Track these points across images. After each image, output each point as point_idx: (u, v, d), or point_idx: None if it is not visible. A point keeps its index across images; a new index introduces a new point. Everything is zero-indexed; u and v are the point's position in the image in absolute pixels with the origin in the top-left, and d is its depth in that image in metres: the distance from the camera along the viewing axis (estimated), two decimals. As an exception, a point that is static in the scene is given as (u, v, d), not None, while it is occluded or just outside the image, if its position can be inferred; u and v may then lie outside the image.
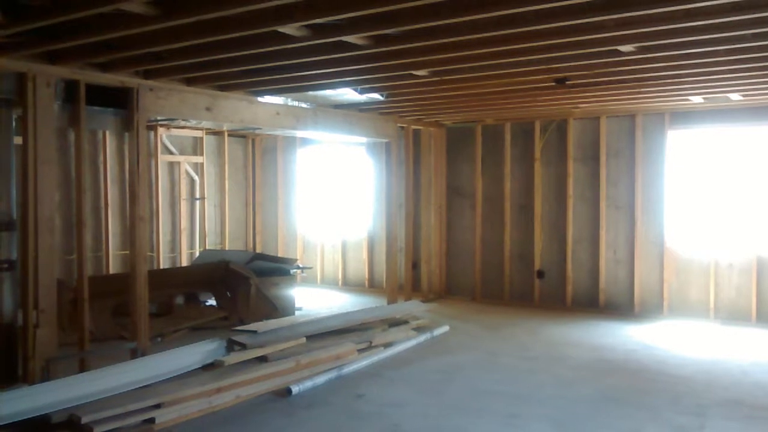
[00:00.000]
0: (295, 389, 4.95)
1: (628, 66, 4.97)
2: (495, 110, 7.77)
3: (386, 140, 8.16)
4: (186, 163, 9.29)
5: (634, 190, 7.87)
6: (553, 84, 5.72)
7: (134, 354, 5.19)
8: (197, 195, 9.49)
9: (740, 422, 4.37)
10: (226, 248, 9.68)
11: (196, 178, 9.45)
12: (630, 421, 4.38)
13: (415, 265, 9.07)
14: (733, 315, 7.36)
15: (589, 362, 5.87)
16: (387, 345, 6.19)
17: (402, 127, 8.49)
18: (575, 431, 4.24)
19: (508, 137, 8.70)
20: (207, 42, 4.27)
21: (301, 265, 9.02)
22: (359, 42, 4.27)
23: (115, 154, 8.44)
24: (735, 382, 5.25)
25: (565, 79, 5.52)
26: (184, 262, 9.14)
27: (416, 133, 8.95)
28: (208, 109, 5.91)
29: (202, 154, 9.46)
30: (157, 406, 4.22)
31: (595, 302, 8.14)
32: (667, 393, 4.98)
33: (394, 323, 6.76)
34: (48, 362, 4.64)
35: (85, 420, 3.88)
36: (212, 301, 7.91)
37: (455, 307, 8.54)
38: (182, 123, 8.07)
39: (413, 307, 7.53)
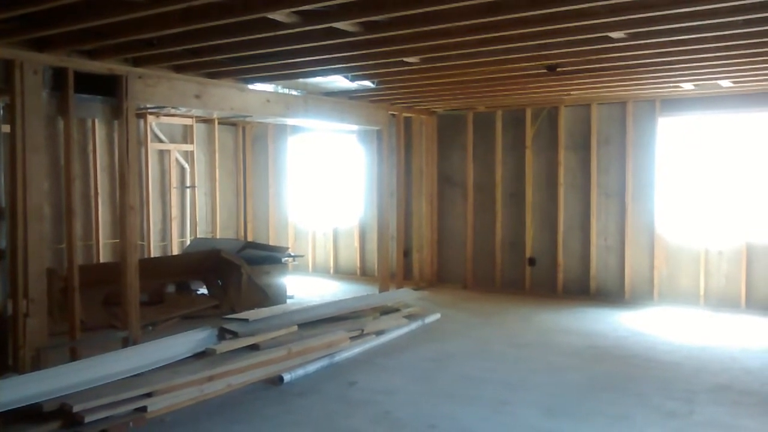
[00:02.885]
0: (287, 377, 4.96)
1: (619, 53, 4.97)
2: (486, 97, 7.76)
3: (377, 128, 8.13)
4: (176, 151, 9.23)
5: (625, 178, 7.89)
6: (544, 71, 5.71)
7: (125, 343, 5.18)
8: (188, 183, 9.44)
9: (729, 407, 4.41)
10: (217, 237, 9.65)
11: (187, 166, 9.40)
12: (620, 407, 4.42)
13: (406, 253, 9.08)
14: (722, 302, 7.41)
15: (580, 349, 5.90)
16: (379, 333, 6.21)
17: (393, 115, 8.47)
18: (565, 417, 4.27)
19: (499, 125, 8.69)
20: (196, 29, 4.24)
21: (292, 254, 9.01)
22: (349, 29, 4.25)
23: (104, 143, 8.38)
24: (724, 368, 5.30)
25: (556, 66, 5.51)
26: (175, 251, 9.11)
27: (407, 120, 8.93)
28: (197, 96, 5.87)
29: (192, 142, 9.40)
30: (149, 395, 4.22)
31: (586, 289, 8.18)
32: (657, 379, 5.02)
33: (386, 311, 6.78)
34: (38, 351, 4.62)
35: (76, 409, 3.87)
36: (203, 290, 7.89)
37: (447, 294, 8.56)
38: (172, 111, 8.02)
39: (405, 295, 7.54)
